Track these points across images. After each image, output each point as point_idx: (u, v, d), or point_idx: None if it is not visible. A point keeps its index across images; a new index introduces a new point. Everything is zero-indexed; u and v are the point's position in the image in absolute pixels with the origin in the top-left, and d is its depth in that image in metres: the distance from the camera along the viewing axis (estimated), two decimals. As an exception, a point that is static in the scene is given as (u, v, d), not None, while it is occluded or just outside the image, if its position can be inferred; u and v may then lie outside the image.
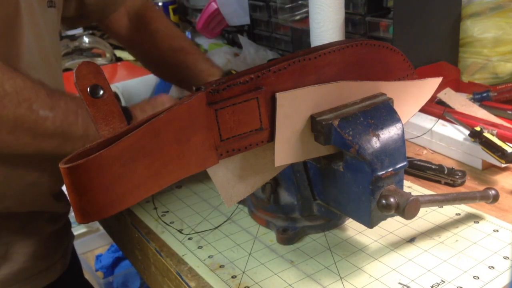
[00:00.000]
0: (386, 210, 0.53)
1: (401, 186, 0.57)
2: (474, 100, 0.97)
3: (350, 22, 1.07)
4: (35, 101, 0.62)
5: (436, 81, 0.69)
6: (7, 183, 0.72)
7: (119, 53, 1.56)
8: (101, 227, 1.65)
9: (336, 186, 0.59)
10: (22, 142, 0.64)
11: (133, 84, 1.27)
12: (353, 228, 0.67)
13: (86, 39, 1.55)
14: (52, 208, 0.82)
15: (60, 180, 0.79)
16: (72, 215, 0.90)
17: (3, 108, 0.60)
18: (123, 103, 1.16)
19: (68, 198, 0.87)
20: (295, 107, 0.55)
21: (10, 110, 0.61)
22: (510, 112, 0.90)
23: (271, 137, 0.55)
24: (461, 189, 0.75)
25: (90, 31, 1.71)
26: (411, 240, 0.64)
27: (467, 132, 0.81)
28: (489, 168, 0.79)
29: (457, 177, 0.75)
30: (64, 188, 0.84)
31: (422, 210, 0.67)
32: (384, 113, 0.58)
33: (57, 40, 0.83)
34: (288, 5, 1.25)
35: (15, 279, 0.76)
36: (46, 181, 0.77)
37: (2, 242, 0.75)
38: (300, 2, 1.23)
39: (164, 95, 0.76)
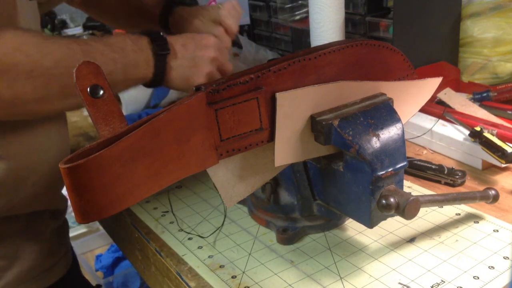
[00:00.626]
0: (386, 210, 0.53)
1: (401, 186, 0.57)
2: (474, 100, 0.97)
3: (350, 22, 1.07)
4: (74, 66, 0.64)
5: (436, 81, 0.69)
6: (14, 187, 0.72)
7: (119, 53, 1.56)
8: (101, 227, 1.65)
9: (336, 186, 0.59)
10: (74, 104, 0.67)
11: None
12: (353, 228, 0.67)
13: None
14: (54, 206, 0.83)
15: (61, 179, 0.80)
16: (71, 215, 0.91)
17: (48, 82, 0.63)
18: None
19: (67, 196, 0.87)
20: (295, 107, 0.55)
21: (55, 82, 0.63)
22: (510, 112, 0.90)
23: (271, 137, 0.55)
24: (461, 189, 0.75)
25: (90, 31, 1.71)
26: (411, 240, 0.64)
27: (467, 132, 0.81)
28: (489, 168, 0.79)
29: (457, 177, 0.75)
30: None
31: (422, 210, 0.67)
32: (384, 113, 0.58)
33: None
34: (288, 5, 1.25)
35: (24, 277, 0.77)
36: (47, 181, 0.77)
37: (10, 242, 0.76)
38: (300, 2, 1.23)
39: (212, 37, 0.76)
